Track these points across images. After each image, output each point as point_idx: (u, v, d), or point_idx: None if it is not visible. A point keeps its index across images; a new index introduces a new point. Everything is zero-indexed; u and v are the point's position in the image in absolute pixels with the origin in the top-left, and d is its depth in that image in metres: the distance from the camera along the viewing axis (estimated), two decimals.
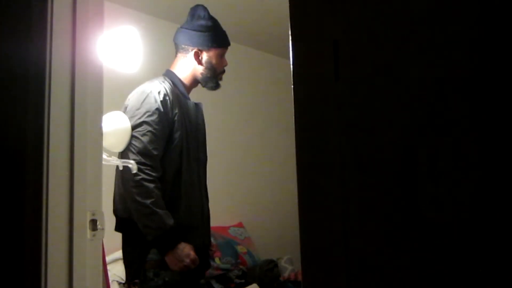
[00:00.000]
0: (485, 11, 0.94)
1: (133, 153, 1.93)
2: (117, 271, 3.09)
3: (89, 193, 1.47)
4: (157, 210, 1.87)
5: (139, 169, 1.89)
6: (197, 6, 2.20)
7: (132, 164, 2.47)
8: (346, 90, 1.07)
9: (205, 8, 2.19)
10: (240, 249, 3.62)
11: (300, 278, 3.28)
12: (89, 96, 1.51)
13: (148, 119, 1.96)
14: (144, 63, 2.72)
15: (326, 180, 1.08)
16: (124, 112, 2.06)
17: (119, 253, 3.21)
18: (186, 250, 1.90)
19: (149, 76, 3.32)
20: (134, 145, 1.94)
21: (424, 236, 0.95)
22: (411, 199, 0.97)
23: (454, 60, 0.96)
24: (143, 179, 1.88)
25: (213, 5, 3.70)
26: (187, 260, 1.89)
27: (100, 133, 1.59)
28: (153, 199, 1.87)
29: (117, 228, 2.05)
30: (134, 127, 1.97)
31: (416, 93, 0.99)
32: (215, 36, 2.16)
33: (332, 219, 1.06)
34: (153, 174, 1.91)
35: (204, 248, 2.06)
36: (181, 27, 2.20)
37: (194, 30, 2.16)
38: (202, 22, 2.16)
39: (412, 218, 0.97)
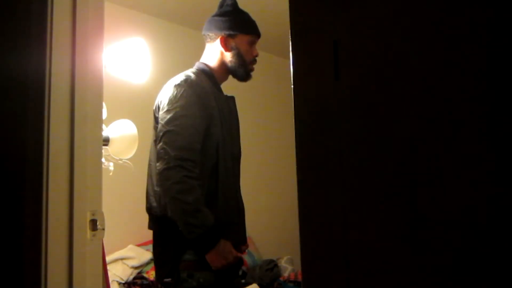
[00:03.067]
0: (487, 12, 0.94)
1: (174, 147, 1.81)
2: (117, 271, 3.10)
3: (89, 193, 1.47)
4: (200, 207, 1.79)
5: (181, 166, 1.79)
6: None
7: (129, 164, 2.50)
8: (346, 90, 1.07)
9: None
10: None
11: (300, 278, 3.28)
12: (89, 97, 1.51)
13: (187, 112, 1.86)
14: (153, 70, 2.78)
15: (326, 180, 1.08)
16: (159, 106, 1.96)
17: (119, 253, 3.23)
18: (227, 247, 1.85)
19: (158, 82, 3.32)
20: (175, 139, 1.83)
21: (424, 236, 0.95)
22: (411, 199, 0.97)
23: (455, 60, 0.96)
24: (186, 176, 1.79)
25: (212, 5, 3.71)
26: (230, 257, 1.85)
27: (100, 134, 1.59)
28: (195, 197, 1.78)
29: (151, 226, 2.01)
30: (174, 120, 1.86)
31: (416, 93, 0.99)
32: (242, 22, 2.08)
33: (332, 219, 1.06)
34: (195, 170, 1.81)
35: (237, 245, 1.98)
36: (209, 18, 2.13)
37: (220, 16, 2.09)
38: (229, 8, 2.10)
39: (412, 218, 0.97)
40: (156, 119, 1.99)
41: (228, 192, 1.97)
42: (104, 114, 2.20)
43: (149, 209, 2.00)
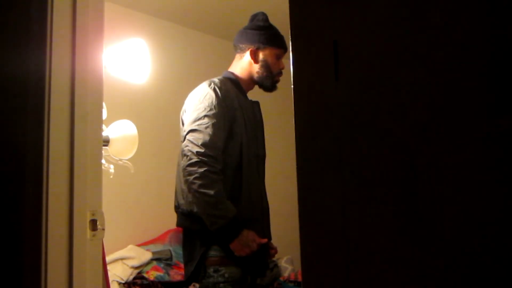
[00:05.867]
0: (488, 13, 0.94)
1: (197, 145, 1.95)
2: (117, 271, 3.10)
3: (89, 193, 1.47)
4: (222, 199, 1.92)
5: (202, 161, 1.93)
6: (258, 12, 2.29)
7: (129, 165, 2.51)
8: (346, 90, 1.07)
9: (264, 14, 2.28)
10: None
11: (300, 278, 3.28)
12: (89, 97, 1.51)
13: (209, 113, 2.00)
14: (153, 70, 2.79)
15: (326, 180, 1.08)
16: (185, 109, 2.11)
17: (119, 253, 3.23)
18: (250, 236, 1.96)
19: (158, 82, 3.30)
20: (198, 137, 1.97)
21: (423, 236, 0.95)
22: (410, 199, 0.97)
23: (456, 59, 0.96)
24: (207, 170, 1.92)
25: (212, 4, 3.71)
26: (254, 245, 1.96)
27: (100, 134, 1.59)
28: (217, 190, 1.91)
29: (179, 223, 2.12)
30: (196, 120, 2.01)
31: (416, 93, 0.99)
32: (271, 36, 2.22)
33: (332, 219, 1.06)
34: (217, 166, 1.95)
35: (262, 246, 2.07)
36: (240, 30, 2.29)
37: (251, 29, 2.23)
38: (260, 23, 2.24)
39: (411, 218, 0.97)
40: (182, 122, 2.13)
41: (252, 190, 2.10)
42: (104, 114, 2.21)
43: (176, 207, 2.11)
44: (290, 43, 1.16)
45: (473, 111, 0.93)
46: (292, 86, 1.14)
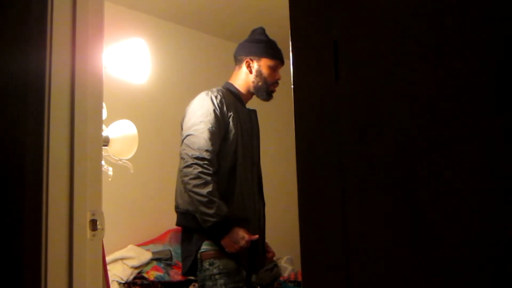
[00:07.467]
0: (489, 13, 0.94)
1: (193, 148, 2.11)
2: (117, 271, 3.10)
3: (89, 193, 1.47)
4: (214, 198, 2.05)
5: (197, 164, 2.08)
6: (258, 27, 2.43)
7: (129, 165, 2.51)
8: (346, 90, 1.07)
9: (262, 28, 2.43)
10: None
11: (300, 278, 3.28)
12: (89, 97, 1.51)
13: (205, 119, 2.15)
14: (153, 70, 2.79)
15: (326, 180, 1.08)
16: (184, 116, 2.26)
17: (119, 253, 3.23)
18: (240, 233, 2.09)
19: (158, 82, 3.29)
20: (193, 141, 2.13)
21: (424, 237, 0.95)
22: (411, 199, 0.97)
23: (455, 60, 0.96)
24: (201, 172, 2.07)
25: (212, 4, 3.71)
26: (243, 242, 2.08)
27: (100, 134, 1.59)
28: (210, 190, 2.05)
29: (178, 223, 2.25)
30: (193, 126, 2.16)
31: (416, 93, 0.99)
32: (267, 48, 2.36)
33: (332, 219, 1.06)
34: (210, 168, 2.09)
35: (255, 244, 2.19)
36: (240, 42, 2.43)
37: (249, 42, 2.39)
38: (257, 36, 2.40)
39: (412, 218, 0.97)
40: (182, 128, 2.28)
41: (245, 192, 2.23)
42: (104, 114, 2.21)
43: (176, 207, 2.24)
44: (290, 43, 1.16)
45: (474, 110, 0.93)
46: (292, 86, 1.14)
